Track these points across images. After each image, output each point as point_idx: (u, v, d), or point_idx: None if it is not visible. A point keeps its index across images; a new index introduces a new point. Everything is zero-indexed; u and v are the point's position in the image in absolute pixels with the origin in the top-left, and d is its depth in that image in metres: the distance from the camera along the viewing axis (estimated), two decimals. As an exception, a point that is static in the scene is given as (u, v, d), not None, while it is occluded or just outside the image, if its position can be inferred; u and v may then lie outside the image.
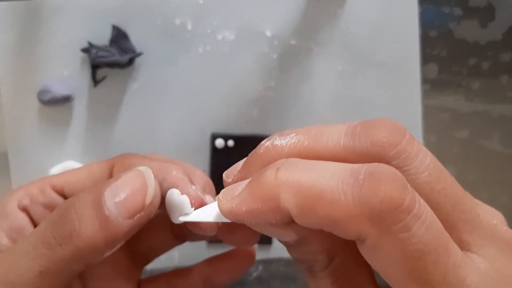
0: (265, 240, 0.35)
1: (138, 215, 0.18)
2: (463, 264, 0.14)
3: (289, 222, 0.15)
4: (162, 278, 0.26)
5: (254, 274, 0.36)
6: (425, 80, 0.36)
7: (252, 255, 0.25)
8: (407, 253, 0.14)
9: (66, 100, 0.34)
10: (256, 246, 0.35)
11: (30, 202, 0.22)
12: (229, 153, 0.35)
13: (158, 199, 0.19)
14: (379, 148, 0.16)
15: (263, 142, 0.18)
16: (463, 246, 0.15)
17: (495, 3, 0.36)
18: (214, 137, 0.34)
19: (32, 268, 0.17)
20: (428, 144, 0.36)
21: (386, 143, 0.16)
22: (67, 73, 0.34)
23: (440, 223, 0.15)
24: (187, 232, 0.23)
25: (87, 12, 0.34)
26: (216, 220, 0.18)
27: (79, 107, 0.34)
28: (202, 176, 0.23)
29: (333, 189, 0.14)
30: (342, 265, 0.16)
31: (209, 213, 0.19)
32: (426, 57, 0.36)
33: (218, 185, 0.34)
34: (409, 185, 0.14)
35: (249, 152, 0.35)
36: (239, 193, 0.16)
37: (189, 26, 0.34)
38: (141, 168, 0.19)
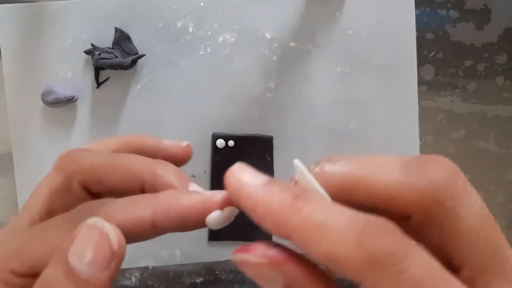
0: (265, 238, 0.36)
1: (113, 263, 0.18)
2: None
3: (280, 262, 0.16)
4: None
5: (254, 272, 0.37)
6: (421, 81, 0.36)
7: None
8: None
9: (69, 101, 0.34)
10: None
11: None
12: (230, 152, 0.35)
13: (123, 239, 0.19)
14: (436, 187, 0.16)
15: (312, 167, 0.17)
16: None
17: (491, 5, 0.36)
18: (215, 137, 0.35)
19: None
20: (424, 145, 0.37)
21: (443, 183, 0.16)
22: (70, 74, 0.35)
23: (436, 264, 0.15)
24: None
25: (90, 14, 0.34)
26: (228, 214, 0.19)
27: (83, 108, 0.35)
28: (170, 168, 0.22)
29: (340, 230, 0.15)
30: None
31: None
32: (422, 59, 0.36)
33: (219, 183, 0.35)
34: (403, 239, 0.15)
35: (249, 152, 0.36)
36: (259, 186, 0.17)
37: (191, 29, 0.35)
38: (89, 222, 0.19)
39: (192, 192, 0.20)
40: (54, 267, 0.18)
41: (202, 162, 0.35)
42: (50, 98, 0.34)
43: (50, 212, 0.23)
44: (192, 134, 0.35)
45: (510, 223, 0.38)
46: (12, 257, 0.20)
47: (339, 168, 0.17)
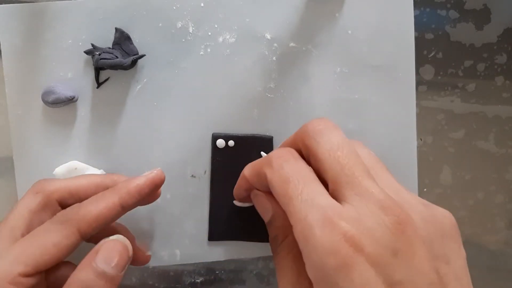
0: (265, 238, 0.36)
1: (127, 265, 0.27)
2: (319, 193, 0.23)
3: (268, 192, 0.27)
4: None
5: (254, 272, 0.37)
6: (421, 81, 0.37)
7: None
8: (280, 179, 0.24)
9: (70, 100, 0.34)
10: (256, 244, 0.36)
11: None
12: (230, 153, 0.35)
13: (132, 249, 0.28)
14: (308, 128, 0.26)
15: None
16: (342, 197, 0.22)
17: (491, 5, 0.37)
18: (215, 137, 0.35)
19: None
20: (424, 145, 0.37)
21: (312, 126, 0.25)
22: (71, 74, 0.35)
23: (306, 169, 0.24)
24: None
25: (90, 14, 0.34)
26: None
27: (83, 108, 0.35)
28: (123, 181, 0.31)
29: (262, 159, 0.27)
30: (293, 241, 0.25)
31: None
32: (422, 59, 0.36)
33: (219, 183, 0.35)
34: (291, 153, 0.26)
35: (249, 152, 0.36)
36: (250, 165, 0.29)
37: (191, 29, 0.35)
38: (113, 238, 0.27)
39: (137, 176, 0.30)
40: (85, 272, 0.25)
41: (202, 162, 0.35)
42: (50, 98, 0.34)
43: (29, 229, 0.28)
44: (192, 134, 0.35)
45: (510, 223, 0.38)
46: (17, 263, 0.26)
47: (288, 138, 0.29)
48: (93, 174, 0.33)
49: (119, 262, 0.26)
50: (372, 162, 0.26)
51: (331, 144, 0.24)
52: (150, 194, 0.30)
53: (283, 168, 0.24)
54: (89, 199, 0.29)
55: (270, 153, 0.26)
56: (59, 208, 0.30)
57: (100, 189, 0.30)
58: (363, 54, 0.35)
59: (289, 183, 0.23)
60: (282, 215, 0.27)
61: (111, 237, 0.27)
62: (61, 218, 0.28)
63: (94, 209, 0.28)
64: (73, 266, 0.31)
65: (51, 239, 0.26)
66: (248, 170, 0.29)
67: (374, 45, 0.35)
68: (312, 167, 0.25)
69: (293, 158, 0.25)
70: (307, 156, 0.26)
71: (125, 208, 0.29)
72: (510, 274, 0.38)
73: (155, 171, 0.30)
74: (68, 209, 0.28)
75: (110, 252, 0.26)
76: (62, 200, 0.30)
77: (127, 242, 0.27)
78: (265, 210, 0.28)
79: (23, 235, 0.28)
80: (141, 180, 0.29)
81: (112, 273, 0.25)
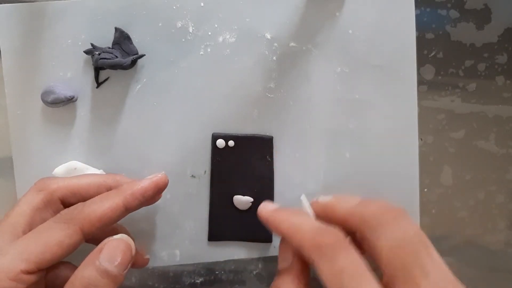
0: (265, 239, 0.36)
1: (130, 264, 0.27)
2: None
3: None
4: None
5: (254, 272, 0.37)
6: (422, 81, 0.36)
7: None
8: (332, 272, 0.23)
9: (69, 100, 0.34)
10: (256, 244, 0.36)
11: None
12: (230, 153, 0.35)
13: (135, 249, 0.28)
14: (367, 214, 0.25)
15: (315, 198, 0.30)
16: None
17: (491, 5, 0.37)
18: (215, 137, 0.35)
19: None
20: (425, 145, 0.37)
21: (372, 213, 0.25)
22: (70, 74, 0.35)
23: (360, 263, 0.23)
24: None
25: (90, 14, 0.34)
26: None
27: (82, 108, 0.35)
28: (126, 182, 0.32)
29: (306, 230, 0.25)
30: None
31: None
32: (423, 59, 0.36)
33: (219, 183, 0.35)
34: (343, 242, 0.24)
35: (249, 152, 0.36)
36: (283, 214, 0.28)
37: (191, 29, 0.35)
38: (117, 237, 0.27)
39: (141, 179, 0.30)
40: (88, 270, 0.25)
41: (202, 162, 0.35)
42: (50, 98, 0.34)
43: (31, 226, 0.28)
44: (192, 134, 0.35)
45: (510, 223, 0.38)
46: (19, 260, 0.26)
47: (325, 199, 0.28)
48: (96, 174, 0.33)
49: (122, 261, 0.26)
50: (420, 248, 0.24)
51: (393, 240, 0.23)
52: (153, 197, 0.30)
53: (335, 260, 0.23)
54: (93, 198, 0.29)
55: (319, 236, 0.24)
56: (61, 206, 0.30)
57: (103, 189, 0.30)
58: (363, 53, 0.35)
59: (343, 278, 0.22)
60: (297, 272, 0.27)
61: (115, 236, 0.27)
62: (64, 216, 0.28)
63: (98, 209, 0.28)
64: (72, 266, 0.31)
65: (54, 237, 0.26)
66: (290, 233, 0.26)
67: (374, 45, 0.35)
68: (364, 250, 0.25)
69: (345, 249, 0.24)
70: (360, 240, 0.25)
71: (128, 209, 0.29)
72: (511, 274, 0.38)
73: (159, 175, 0.30)
74: (71, 208, 0.28)
75: (114, 251, 0.26)
76: (65, 198, 0.30)
77: (131, 241, 0.27)
78: (284, 260, 0.28)
79: (24, 232, 0.28)
80: (146, 182, 0.30)
81: (114, 272, 0.25)
